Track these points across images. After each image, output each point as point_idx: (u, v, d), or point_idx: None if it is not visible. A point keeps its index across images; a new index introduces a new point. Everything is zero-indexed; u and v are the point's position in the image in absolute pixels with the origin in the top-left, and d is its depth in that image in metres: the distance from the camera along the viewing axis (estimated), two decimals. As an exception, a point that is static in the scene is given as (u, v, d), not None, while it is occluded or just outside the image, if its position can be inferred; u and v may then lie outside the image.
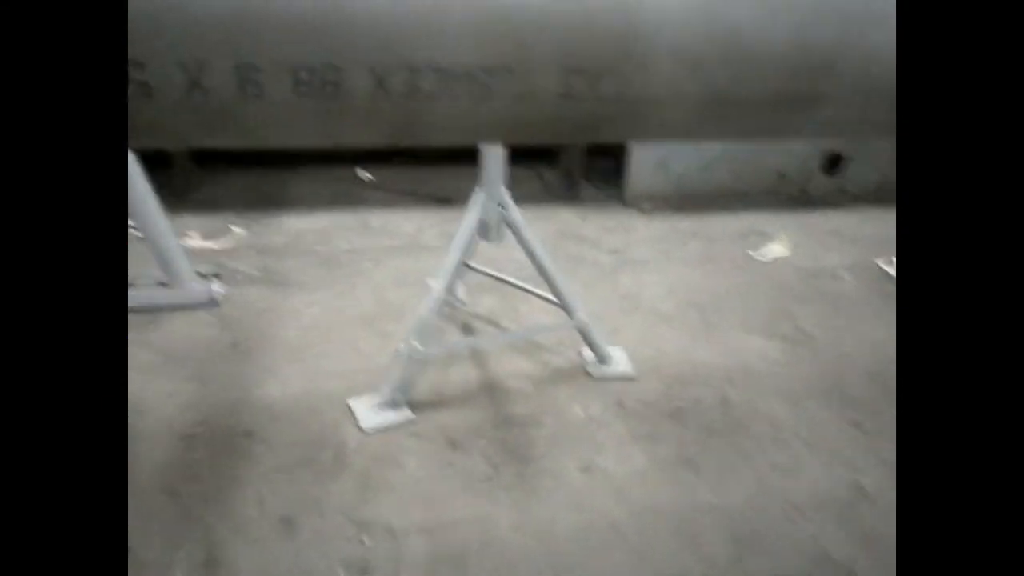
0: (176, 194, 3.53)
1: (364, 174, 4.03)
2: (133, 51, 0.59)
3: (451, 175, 3.82)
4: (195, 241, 3.22)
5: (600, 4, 0.60)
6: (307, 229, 3.39)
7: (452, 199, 3.65)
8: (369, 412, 2.14)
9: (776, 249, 3.36)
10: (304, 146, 0.73)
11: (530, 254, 2.18)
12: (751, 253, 3.32)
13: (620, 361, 2.44)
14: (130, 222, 2.79)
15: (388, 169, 4.07)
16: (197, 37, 0.59)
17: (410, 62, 0.62)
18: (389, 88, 0.63)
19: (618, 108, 0.67)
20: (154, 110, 0.63)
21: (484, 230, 2.10)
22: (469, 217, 2.08)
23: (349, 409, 2.17)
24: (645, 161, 3.72)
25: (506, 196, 2.09)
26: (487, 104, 0.65)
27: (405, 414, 2.15)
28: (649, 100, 0.66)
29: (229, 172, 3.92)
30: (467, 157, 2.50)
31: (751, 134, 0.75)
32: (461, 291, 2.73)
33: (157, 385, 2.26)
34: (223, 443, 2.04)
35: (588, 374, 2.39)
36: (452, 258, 2.09)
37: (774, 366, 2.50)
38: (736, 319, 2.77)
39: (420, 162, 4.11)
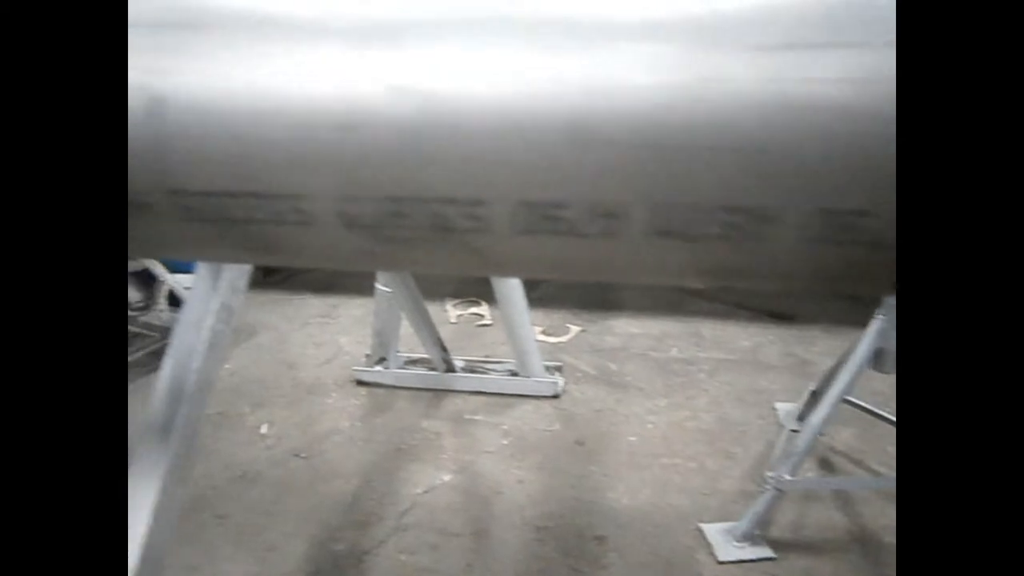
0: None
1: (691, 282, 4.00)
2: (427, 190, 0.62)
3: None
4: (536, 335, 3.44)
5: None
6: (638, 333, 3.42)
7: (794, 316, 3.42)
8: (725, 542, 1.98)
9: None
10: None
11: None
12: None
13: (1042, 539, 1.94)
14: (484, 309, 3.07)
15: (716, 279, 3.98)
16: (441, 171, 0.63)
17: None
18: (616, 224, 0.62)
19: None
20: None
21: (880, 360, 1.88)
22: (864, 344, 1.88)
23: (701, 533, 2.03)
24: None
25: (910, 324, 1.85)
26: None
27: (764, 551, 1.95)
28: None
29: (564, 272, 4.19)
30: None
31: None
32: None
33: (509, 470, 2.38)
34: (575, 543, 2.03)
35: (996, 548, 1.94)
36: (838, 387, 1.89)
37: None
38: None
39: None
